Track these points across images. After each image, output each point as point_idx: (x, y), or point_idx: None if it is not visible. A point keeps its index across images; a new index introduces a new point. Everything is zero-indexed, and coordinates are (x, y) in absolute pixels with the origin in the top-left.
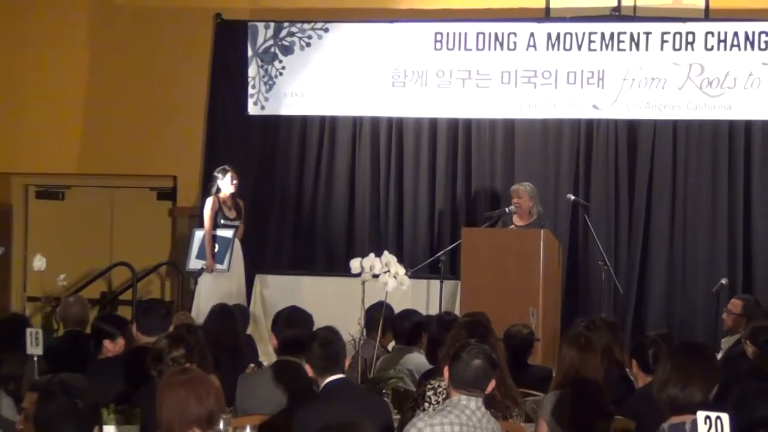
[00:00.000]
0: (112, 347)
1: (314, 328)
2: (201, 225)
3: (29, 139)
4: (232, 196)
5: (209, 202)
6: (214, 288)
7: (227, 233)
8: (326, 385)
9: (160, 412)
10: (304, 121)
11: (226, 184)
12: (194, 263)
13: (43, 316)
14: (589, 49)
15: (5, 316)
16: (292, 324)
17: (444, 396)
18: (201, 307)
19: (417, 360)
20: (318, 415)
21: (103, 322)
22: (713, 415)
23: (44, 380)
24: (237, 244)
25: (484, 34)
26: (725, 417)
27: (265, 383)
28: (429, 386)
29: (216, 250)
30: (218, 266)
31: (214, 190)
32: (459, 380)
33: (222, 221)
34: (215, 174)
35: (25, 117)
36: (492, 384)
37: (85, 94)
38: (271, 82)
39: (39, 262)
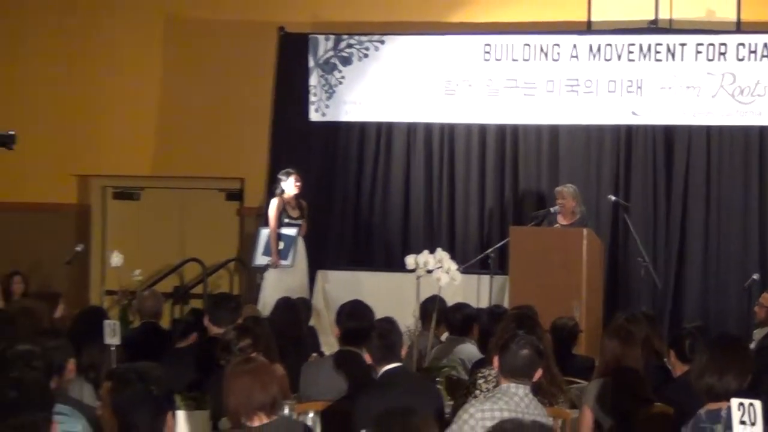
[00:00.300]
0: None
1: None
2: (266, 224)
3: (107, 144)
4: (296, 196)
5: (274, 202)
6: (279, 282)
7: (291, 231)
8: (384, 372)
9: (227, 399)
10: (362, 127)
11: (289, 185)
12: (260, 259)
13: (120, 308)
14: (628, 60)
15: (85, 309)
16: (354, 317)
17: (494, 384)
18: (267, 301)
19: (469, 350)
20: (376, 401)
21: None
22: (746, 401)
23: (121, 368)
24: (300, 241)
25: (529, 45)
26: (758, 404)
27: (327, 371)
28: (480, 375)
29: (280, 247)
30: (282, 262)
31: (278, 191)
32: (508, 369)
33: (286, 220)
34: (279, 176)
35: (104, 124)
36: (539, 373)
37: (158, 102)
38: (331, 91)
39: (116, 259)
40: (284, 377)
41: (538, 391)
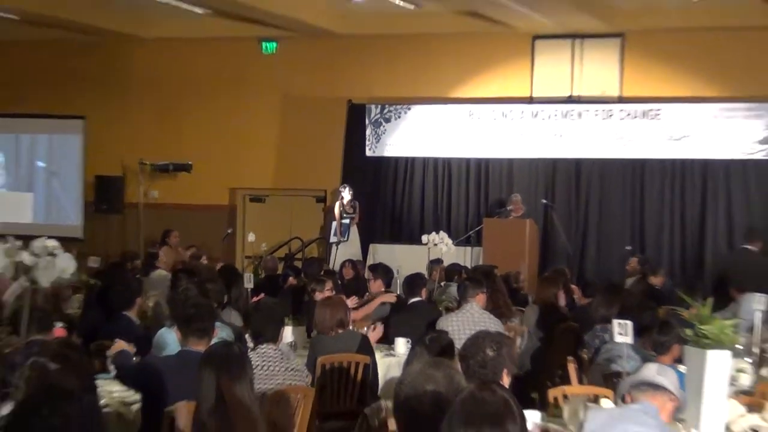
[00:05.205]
0: (293, 281)
1: (395, 275)
2: (334, 217)
3: (246, 169)
4: (350, 200)
5: (337, 204)
6: (343, 251)
7: (346, 221)
8: (410, 303)
9: (316, 319)
10: (396, 159)
11: (346, 194)
12: (332, 238)
13: (253, 267)
14: (554, 119)
15: (223, 266)
16: (389, 273)
17: None
18: (337, 261)
19: (456, 291)
20: (405, 318)
21: (291, 270)
22: (623, 321)
23: (258, 301)
24: (354, 227)
25: (495, 110)
26: (629, 323)
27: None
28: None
29: (341, 230)
30: (342, 239)
31: (339, 197)
32: (463, 296)
33: (345, 215)
34: (339, 189)
35: (244, 157)
36: (480, 297)
37: (276, 144)
38: (378, 138)
39: (251, 237)
40: (348, 307)
41: (498, 313)
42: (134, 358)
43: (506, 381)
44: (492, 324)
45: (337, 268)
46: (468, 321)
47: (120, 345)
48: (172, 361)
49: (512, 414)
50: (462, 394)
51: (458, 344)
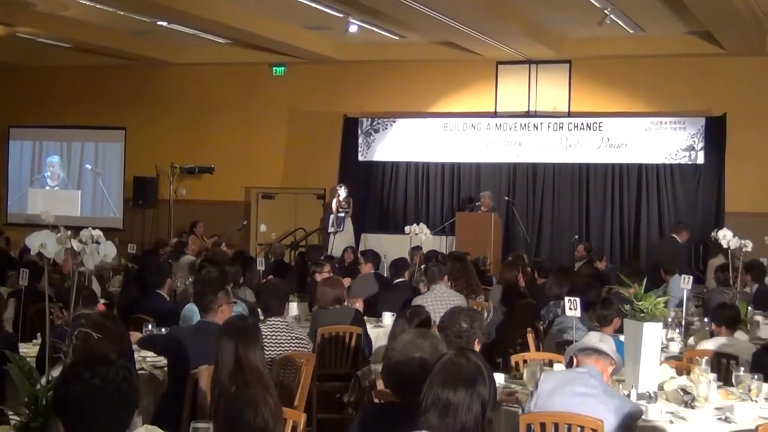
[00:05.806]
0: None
1: (381, 260)
2: (332, 211)
3: (259, 170)
4: (345, 197)
5: (334, 200)
6: (339, 239)
7: (342, 214)
8: (396, 283)
9: (317, 296)
10: (384, 163)
11: (342, 192)
12: (330, 228)
13: (264, 252)
14: (515, 130)
15: (246, 252)
16: (377, 258)
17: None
18: (334, 248)
19: None
20: (391, 295)
21: (300, 258)
22: (573, 298)
23: (264, 282)
24: (348, 220)
25: (465, 123)
26: (578, 299)
27: (365, 282)
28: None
29: (337, 222)
30: (338, 229)
31: (335, 194)
32: (432, 279)
33: (340, 209)
34: (336, 187)
35: (257, 162)
36: (445, 279)
37: (285, 149)
38: (368, 145)
39: (263, 227)
40: (344, 286)
41: (469, 291)
42: (162, 330)
43: (477, 348)
44: (457, 300)
45: (334, 254)
46: (438, 298)
47: (135, 335)
48: (192, 330)
49: (483, 377)
50: (442, 359)
51: (432, 317)
